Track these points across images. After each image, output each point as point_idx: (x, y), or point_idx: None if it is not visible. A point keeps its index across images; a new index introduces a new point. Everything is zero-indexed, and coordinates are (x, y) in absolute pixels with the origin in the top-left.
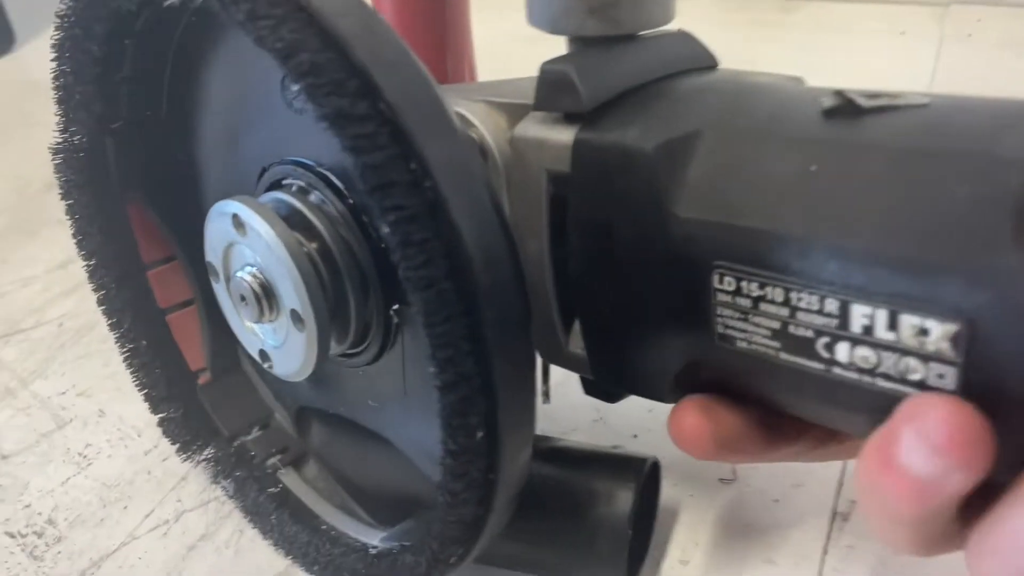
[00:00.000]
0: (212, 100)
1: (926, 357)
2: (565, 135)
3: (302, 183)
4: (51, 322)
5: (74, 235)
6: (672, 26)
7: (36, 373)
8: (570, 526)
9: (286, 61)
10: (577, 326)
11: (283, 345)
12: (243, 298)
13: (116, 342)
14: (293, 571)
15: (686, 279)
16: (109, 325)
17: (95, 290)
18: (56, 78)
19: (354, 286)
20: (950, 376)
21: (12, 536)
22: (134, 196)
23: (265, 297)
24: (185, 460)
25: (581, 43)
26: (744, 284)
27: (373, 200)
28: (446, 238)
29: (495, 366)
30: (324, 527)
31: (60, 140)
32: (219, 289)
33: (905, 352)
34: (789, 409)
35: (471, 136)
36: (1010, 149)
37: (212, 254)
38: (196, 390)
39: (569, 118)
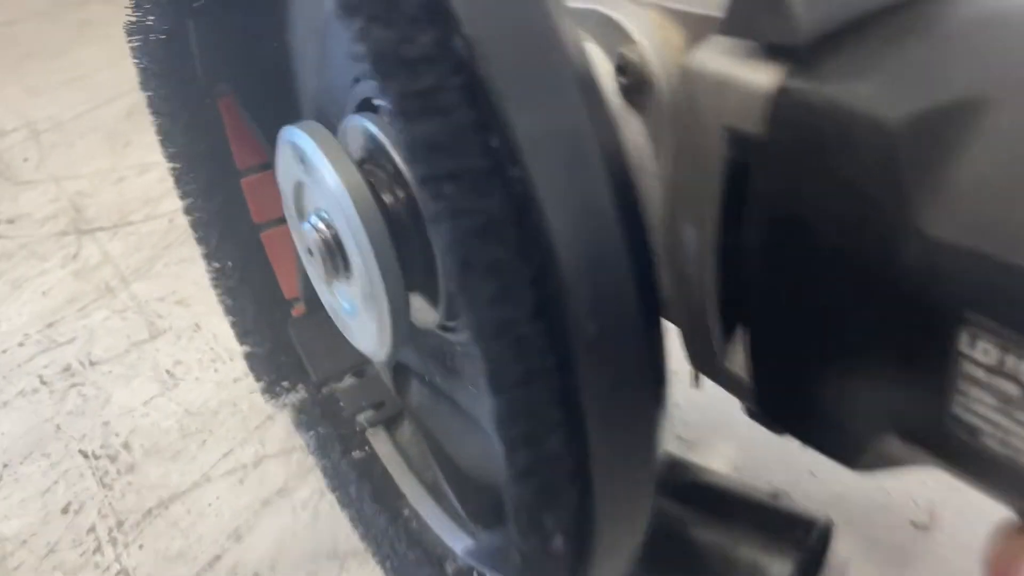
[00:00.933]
0: None
1: None
2: (764, 78)
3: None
4: (162, 217)
5: (157, 133)
6: None
7: (138, 273)
8: None
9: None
10: (739, 337)
11: (356, 314)
12: (310, 251)
13: (204, 259)
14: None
15: (917, 325)
16: (197, 240)
17: (181, 198)
18: None
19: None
20: None
21: (86, 456)
22: (224, 90)
23: (335, 254)
24: (269, 401)
25: None
26: (1010, 360)
27: (425, 194)
28: (536, 261)
29: (594, 451)
30: (407, 513)
31: (134, 21)
32: (292, 224)
33: None
34: None
35: (595, 78)
36: None
37: (285, 187)
38: (287, 323)
39: (774, 53)
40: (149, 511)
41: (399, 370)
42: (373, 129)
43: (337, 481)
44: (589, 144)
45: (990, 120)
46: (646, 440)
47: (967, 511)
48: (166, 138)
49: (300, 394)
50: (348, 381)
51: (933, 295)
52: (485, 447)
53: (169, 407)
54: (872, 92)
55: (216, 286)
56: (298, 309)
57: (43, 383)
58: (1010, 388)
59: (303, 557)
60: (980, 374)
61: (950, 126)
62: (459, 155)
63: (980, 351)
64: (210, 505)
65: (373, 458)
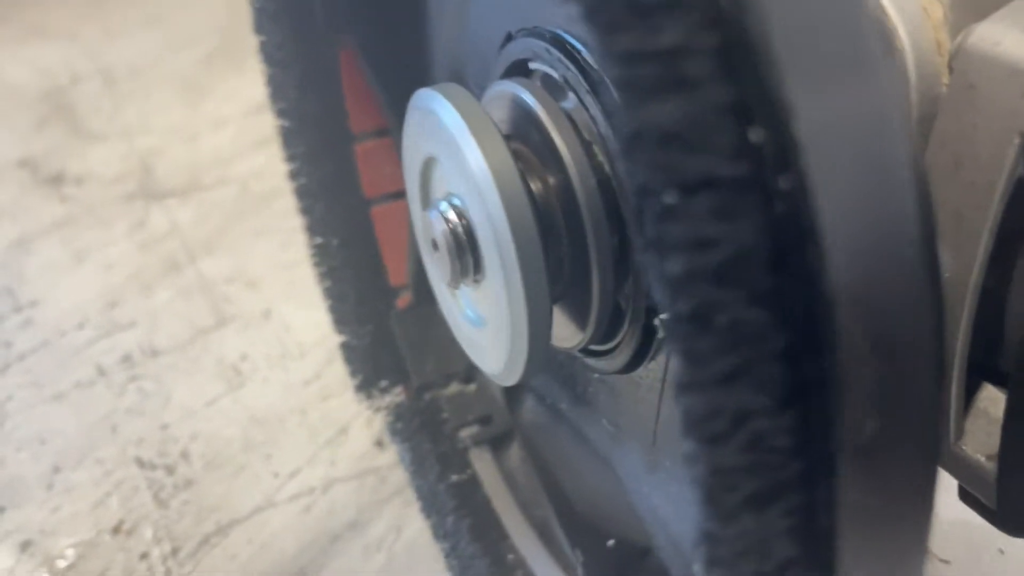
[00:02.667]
0: None
1: None
2: None
3: (555, 74)
4: (234, 181)
5: (267, 84)
6: None
7: (206, 246)
8: None
9: None
10: (981, 409)
11: (483, 326)
12: (435, 244)
13: (306, 232)
14: None
15: None
16: (300, 210)
17: (287, 160)
18: None
19: (603, 253)
20: None
21: (141, 465)
22: (346, 41)
23: (466, 250)
24: (363, 401)
25: None
26: None
27: (645, 210)
28: (800, 324)
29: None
30: (511, 557)
31: None
32: (414, 206)
33: None
34: None
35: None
36: None
37: (411, 161)
38: (390, 314)
39: None
40: (207, 538)
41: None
42: (527, 99)
43: (433, 507)
44: (898, 148)
45: None
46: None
47: None
48: (276, 91)
49: (398, 397)
50: (454, 388)
51: None
52: (611, 491)
53: (233, 411)
54: None
55: (316, 265)
56: (404, 299)
57: (101, 374)
58: None
59: None
60: None
61: None
62: (705, 155)
63: None
64: (274, 536)
65: (475, 484)
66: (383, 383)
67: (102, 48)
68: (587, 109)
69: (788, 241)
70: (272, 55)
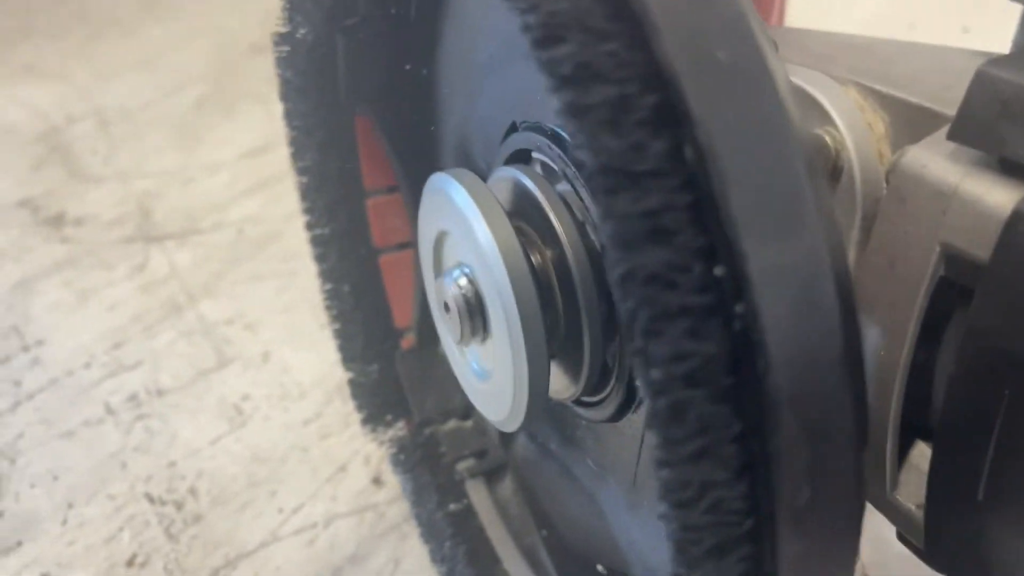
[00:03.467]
0: (468, 11)
1: None
2: (998, 197)
3: (553, 165)
4: (231, 225)
5: (290, 145)
6: None
7: (206, 290)
8: None
9: (537, 48)
10: (912, 464)
11: (488, 378)
12: (447, 307)
13: (319, 278)
14: None
15: None
16: (315, 257)
17: (305, 212)
18: None
19: (592, 317)
20: None
21: (152, 501)
22: (363, 109)
23: (475, 313)
24: (369, 433)
25: None
26: None
27: (634, 330)
28: (750, 414)
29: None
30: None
31: (283, 32)
32: (427, 273)
33: None
34: None
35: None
36: None
37: (426, 234)
38: (396, 354)
39: (1013, 170)
40: (216, 572)
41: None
42: (528, 184)
43: (431, 534)
44: (826, 283)
45: None
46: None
47: None
48: (298, 152)
49: (401, 432)
50: (452, 424)
51: None
52: (594, 523)
53: (236, 449)
54: None
55: (328, 308)
56: (408, 340)
57: (109, 412)
58: None
59: None
60: None
61: None
62: (679, 290)
63: None
64: (278, 569)
65: (470, 513)
66: (387, 417)
67: (94, 89)
68: (579, 195)
69: (742, 352)
70: (296, 121)
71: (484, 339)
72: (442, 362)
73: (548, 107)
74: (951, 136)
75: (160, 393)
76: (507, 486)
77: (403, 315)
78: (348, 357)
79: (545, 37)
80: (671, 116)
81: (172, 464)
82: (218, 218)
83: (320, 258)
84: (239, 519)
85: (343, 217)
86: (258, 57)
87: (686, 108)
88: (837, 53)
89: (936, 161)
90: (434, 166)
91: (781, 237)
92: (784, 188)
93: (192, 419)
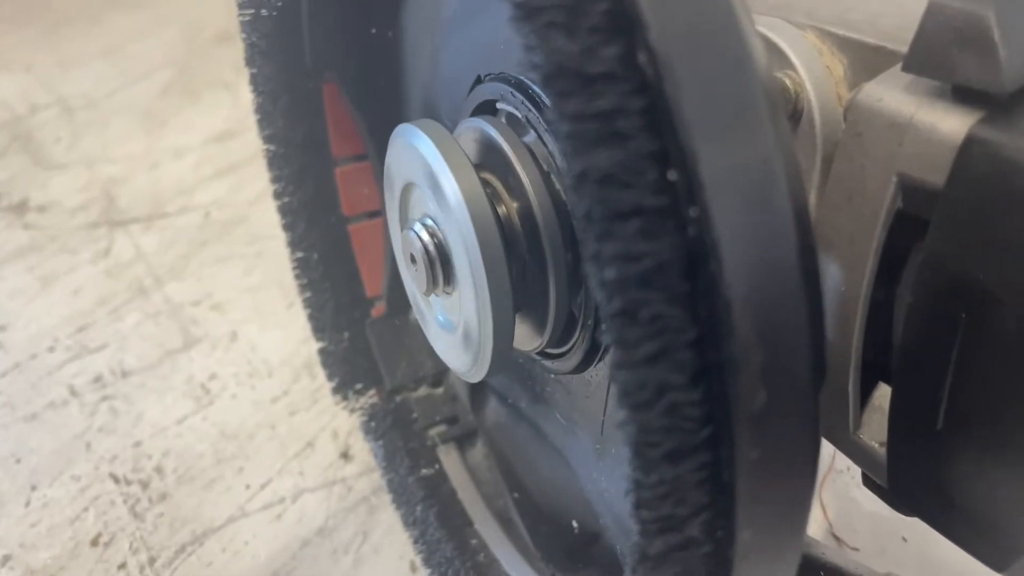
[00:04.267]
0: None
1: None
2: (952, 124)
3: (518, 114)
4: (197, 209)
5: (256, 111)
6: None
7: (172, 272)
8: None
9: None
10: (875, 405)
11: (453, 330)
12: (413, 258)
13: (288, 247)
14: None
15: None
16: (283, 226)
17: (272, 180)
18: None
19: (558, 268)
20: None
21: (116, 480)
22: (329, 75)
23: (440, 264)
24: (339, 403)
25: None
26: None
27: (588, 233)
28: (705, 318)
29: (740, 537)
30: (474, 542)
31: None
32: (393, 226)
33: None
34: None
35: (783, 98)
36: None
37: (392, 186)
38: (366, 322)
39: (966, 97)
40: (183, 547)
41: (477, 386)
42: (494, 134)
43: (403, 498)
44: (778, 187)
45: None
46: (794, 530)
47: None
48: (264, 118)
49: (372, 399)
50: (423, 391)
51: None
52: (565, 480)
53: (203, 428)
54: None
55: (298, 277)
56: (378, 309)
57: (73, 394)
58: None
59: None
60: None
61: None
62: (633, 190)
63: None
64: (246, 543)
65: (442, 477)
66: (358, 386)
67: (58, 79)
68: (545, 144)
69: (696, 256)
70: (262, 86)
71: (449, 291)
72: (413, 330)
73: (512, 55)
74: (905, 67)
75: (125, 374)
76: (478, 451)
77: (373, 284)
78: (318, 327)
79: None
80: (625, 22)
81: (138, 444)
82: (184, 202)
83: (289, 227)
84: (206, 496)
85: (311, 185)
86: (224, 45)
87: (638, 13)
88: (795, 1)
89: (891, 94)
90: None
91: (734, 141)
92: (737, 93)
93: (158, 399)
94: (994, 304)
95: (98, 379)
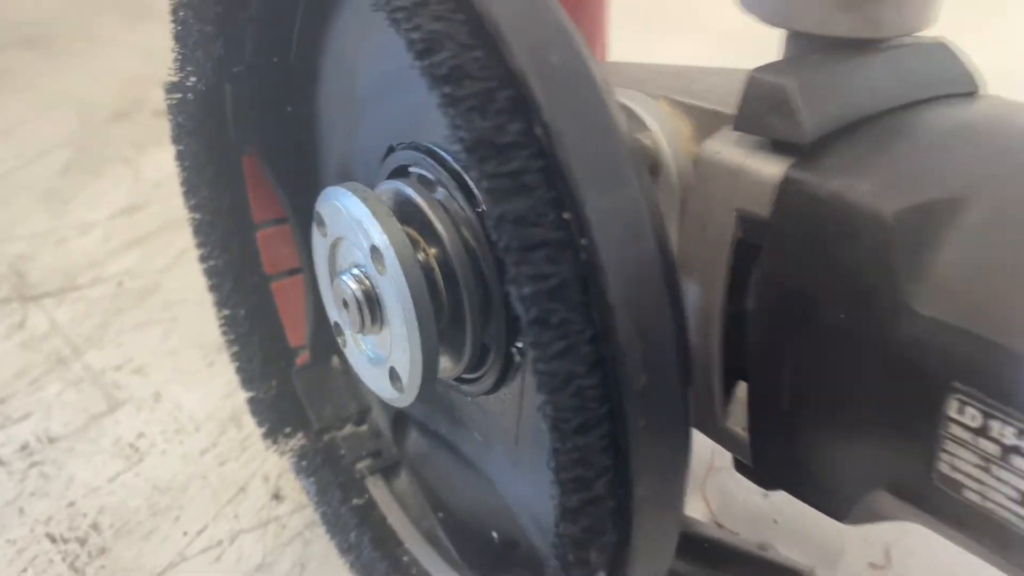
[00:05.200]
0: (345, 55)
1: None
2: (772, 169)
3: (429, 175)
4: (110, 280)
5: (182, 184)
6: None
7: (91, 341)
8: None
9: (420, 58)
10: (738, 398)
11: (384, 363)
12: (345, 303)
13: (215, 306)
14: None
15: (909, 392)
16: (209, 287)
17: (198, 246)
18: (174, 11)
19: (473, 304)
20: None
21: (53, 540)
22: (250, 149)
23: (369, 307)
24: (270, 447)
25: (807, 45)
26: (995, 424)
27: (507, 261)
28: (598, 321)
29: (636, 491)
30: (405, 559)
31: (175, 81)
32: (322, 276)
33: None
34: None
35: (646, 164)
36: None
37: (319, 242)
38: (291, 371)
39: (780, 148)
40: None
41: (398, 420)
42: (410, 192)
43: (337, 528)
44: (644, 221)
45: (967, 215)
46: (677, 483)
47: (917, 550)
48: (190, 190)
49: (300, 441)
50: (348, 429)
51: (925, 367)
52: (484, 495)
53: (136, 483)
54: (869, 188)
55: (225, 333)
56: (303, 358)
57: (0, 464)
58: (991, 448)
59: None
60: (966, 436)
61: (935, 220)
62: (539, 227)
63: (967, 416)
64: None
65: (372, 505)
66: (287, 429)
67: None
68: (455, 199)
69: (588, 274)
70: (188, 161)
71: (377, 329)
72: (336, 375)
73: (423, 126)
74: (736, 127)
75: (52, 440)
76: (403, 480)
77: (297, 335)
78: (247, 378)
79: (427, 48)
80: (524, 105)
81: (72, 504)
82: (96, 274)
83: (215, 287)
84: (144, 546)
85: (235, 248)
86: (120, 123)
87: (533, 98)
88: (650, 77)
89: (726, 148)
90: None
91: (609, 188)
92: (608, 153)
93: (88, 461)
94: (816, 307)
95: (25, 447)
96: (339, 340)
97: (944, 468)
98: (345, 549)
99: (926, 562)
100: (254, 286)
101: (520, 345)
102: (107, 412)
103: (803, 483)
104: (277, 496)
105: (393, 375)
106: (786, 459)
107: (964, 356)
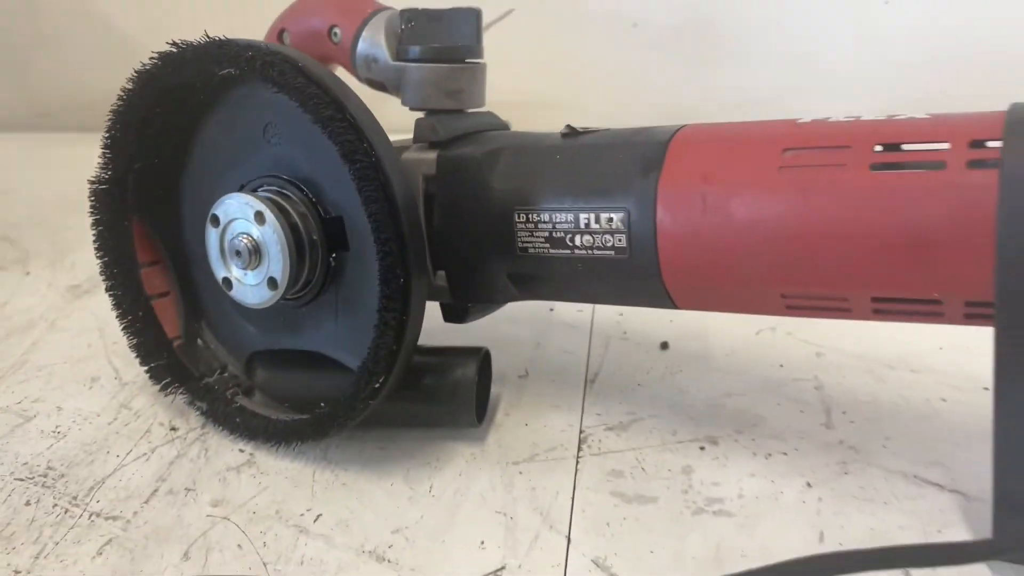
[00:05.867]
0: (209, 142)
1: (613, 232)
2: (431, 154)
3: (273, 186)
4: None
5: (94, 240)
6: None
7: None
8: (438, 386)
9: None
10: (439, 275)
11: (260, 283)
12: (238, 253)
13: (117, 318)
14: (258, 458)
15: (501, 221)
16: (112, 305)
17: (104, 280)
18: (109, 130)
19: (311, 246)
20: (624, 238)
21: (21, 480)
22: (137, 215)
23: (255, 250)
24: (167, 396)
25: (433, 113)
26: (529, 215)
27: (346, 164)
28: (383, 180)
29: (408, 247)
30: (275, 417)
31: (98, 176)
32: (213, 255)
33: (605, 232)
34: (560, 285)
35: None
36: (640, 139)
37: (212, 235)
38: (173, 349)
39: (433, 145)
40: (91, 488)
41: (249, 362)
42: (266, 193)
43: (225, 422)
44: (393, 152)
45: (504, 153)
46: (421, 310)
47: (543, 367)
48: (101, 243)
49: (187, 387)
50: (216, 376)
51: (504, 207)
52: (320, 365)
53: (69, 445)
54: (471, 150)
55: (126, 332)
56: (178, 342)
57: None
58: (530, 225)
59: None
60: (522, 226)
61: (495, 155)
62: (357, 147)
63: (521, 218)
64: (134, 474)
65: (243, 407)
66: (177, 383)
67: None
68: (290, 193)
69: (377, 165)
70: (101, 225)
71: (259, 263)
72: (201, 348)
73: (263, 165)
74: (415, 140)
75: None
76: (258, 397)
77: (172, 330)
78: (144, 356)
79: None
80: (348, 117)
81: (25, 463)
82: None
83: (116, 304)
84: (92, 468)
85: (128, 281)
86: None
87: (352, 115)
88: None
89: (413, 152)
90: (181, 239)
91: (380, 138)
92: (378, 129)
93: (25, 444)
94: (458, 205)
95: None
96: (227, 290)
97: (520, 244)
98: (234, 429)
99: (546, 374)
100: (141, 303)
101: (335, 255)
102: (25, 422)
103: (477, 292)
104: (174, 428)
105: (271, 283)
106: (467, 285)
107: (516, 196)
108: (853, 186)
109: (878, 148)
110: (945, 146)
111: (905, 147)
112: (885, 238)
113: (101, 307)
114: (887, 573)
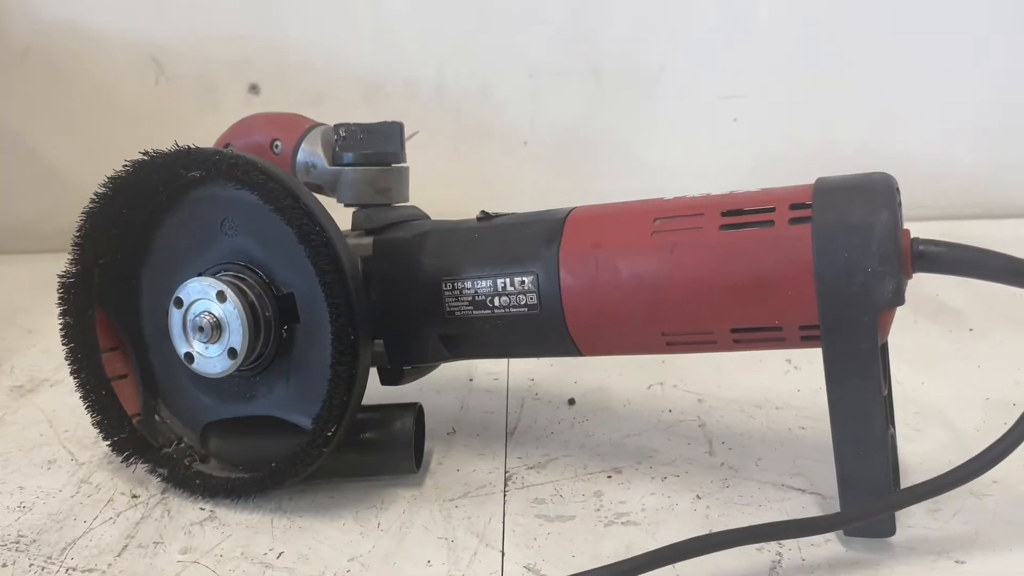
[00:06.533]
0: (170, 237)
1: (526, 292)
2: (368, 239)
3: (231, 271)
4: None
5: (61, 328)
6: None
7: None
8: (379, 437)
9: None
10: (378, 343)
11: (221, 355)
12: (201, 328)
13: (81, 398)
14: (218, 513)
15: (431, 291)
16: (76, 386)
17: (69, 364)
18: (80, 229)
19: (266, 321)
20: (535, 296)
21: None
22: (100, 305)
23: (216, 326)
24: (129, 466)
25: (365, 207)
26: (455, 284)
27: (302, 243)
28: (334, 256)
29: (356, 311)
30: (234, 476)
31: (67, 270)
32: (175, 320)
33: (519, 293)
34: (484, 341)
35: None
36: (542, 218)
37: (175, 316)
38: (133, 424)
39: (369, 232)
40: (65, 548)
41: (204, 433)
42: (226, 276)
43: (185, 485)
44: (341, 235)
45: (430, 236)
46: (371, 343)
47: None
48: (67, 330)
49: (147, 458)
50: (174, 446)
51: (432, 278)
52: (266, 428)
53: (35, 517)
54: (402, 234)
55: (89, 409)
56: (137, 419)
57: None
58: (456, 292)
59: None
60: (448, 293)
61: (422, 238)
62: (311, 229)
63: (447, 287)
64: (104, 534)
65: (199, 472)
66: (137, 455)
67: None
68: (244, 275)
69: (328, 243)
70: (68, 315)
71: (219, 337)
72: (158, 423)
73: (219, 255)
74: (352, 229)
75: None
76: (214, 463)
77: (131, 408)
78: (106, 431)
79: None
80: (304, 207)
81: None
82: None
83: (80, 387)
84: (62, 533)
85: (90, 364)
86: None
87: (307, 204)
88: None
89: (352, 238)
90: (139, 326)
91: (331, 224)
92: (329, 219)
93: None
94: (392, 280)
95: None
96: (189, 364)
97: (448, 309)
98: (194, 490)
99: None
100: (103, 384)
101: (286, 328)
102: None
103: (412, 355)
104: (135, 496)
105: (231, 352)
106: (403, 349)
107: (442, 270)
108: (708, 243)
109: (725, 214)
110: (773, 209)
111: (744, 211)
112: (735, 281)
113: (47, 402)
114: (759, 546)
